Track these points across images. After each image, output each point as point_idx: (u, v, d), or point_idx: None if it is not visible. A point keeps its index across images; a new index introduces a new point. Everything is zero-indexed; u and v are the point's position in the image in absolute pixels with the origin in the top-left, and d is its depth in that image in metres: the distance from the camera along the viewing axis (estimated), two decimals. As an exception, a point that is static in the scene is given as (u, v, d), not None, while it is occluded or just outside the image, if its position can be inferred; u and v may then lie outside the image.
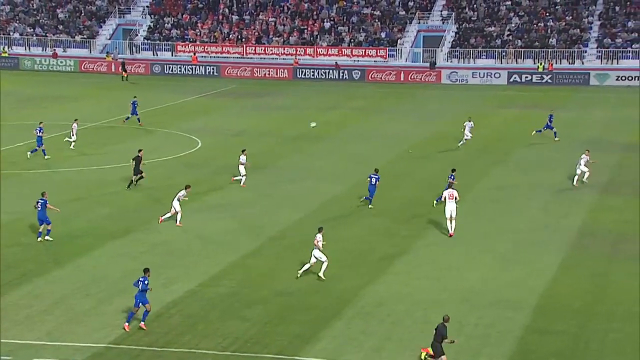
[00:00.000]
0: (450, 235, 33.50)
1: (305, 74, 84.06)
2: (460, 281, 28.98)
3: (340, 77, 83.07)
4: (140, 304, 24.84)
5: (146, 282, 24.95)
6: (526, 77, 78.60)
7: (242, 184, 41.78)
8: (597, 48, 79.83)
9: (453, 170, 38.02)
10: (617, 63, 78.20)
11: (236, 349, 23.69)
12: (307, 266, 29.09)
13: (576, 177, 41.50)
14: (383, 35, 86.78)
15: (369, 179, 37.80)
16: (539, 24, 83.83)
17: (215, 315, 26.00)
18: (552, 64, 79.00)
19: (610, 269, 30.06)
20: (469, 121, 50.57)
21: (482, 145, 52.18)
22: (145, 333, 24.60)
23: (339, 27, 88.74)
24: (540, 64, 79.14)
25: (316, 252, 28.94)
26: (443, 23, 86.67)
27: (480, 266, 30.40)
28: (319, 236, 29.13)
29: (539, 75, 78.36)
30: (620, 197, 39.49)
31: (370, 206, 37.78)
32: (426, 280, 29.12)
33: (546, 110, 64.04)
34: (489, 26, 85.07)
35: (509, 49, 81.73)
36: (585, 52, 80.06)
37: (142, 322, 24.90)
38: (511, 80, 78.77)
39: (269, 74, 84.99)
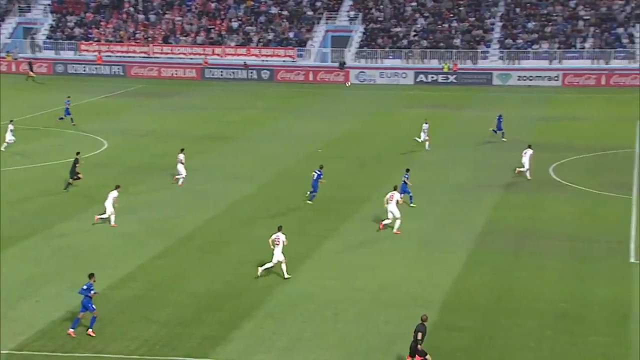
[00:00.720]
0: (379, 229, 34.17)
1: (213, 74, 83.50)
2: (370, 280, 29.30)
3: (249, 77, 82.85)
4: (86, 310, 24.34)
5: (91, 287, 24.43)
6: (432, 77, 79.99)
7: (180, 183, 41.43)
8: (499, 48, 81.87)
9: (407, 170, 38.49)
10: (519, 63, 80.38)
11: (144, 352, 23.40)
12: (269, 265, 28.88)
13: (523, 169, 42.87)
14: (291, 35, 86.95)
15: (313, 174, 38.29)
16: (444, 25, 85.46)
17: (123, 318, 25.61)
18: (456, 65, 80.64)
19: (514, 265, 30.89)
20: (425, 123, 50.78)
21: (389, 145, 52.85)
22: (50, 338, 24.05)
23: (247, 27, 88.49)
24: (445, 64, 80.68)
25: (277, 251, 28.74)
26: (350, 23, 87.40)
27: (389, 265, 30.81)
28: (281, 235, 28.88)
29: (445, 76, 79.86)
30: (522, 195, 40.59)
31: (309, 202, 38.08)
32: (336, 279, 29.33)
33: (453, 110, 65.43)
34: (395, 27, 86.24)
35: (415, 49, 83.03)
36: (488, 52, 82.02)
37: (90, 329, 24.39)
38: (418, 80, 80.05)
39: (176, 74, 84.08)
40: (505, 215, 37.17)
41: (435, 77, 79.94)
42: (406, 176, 38.10)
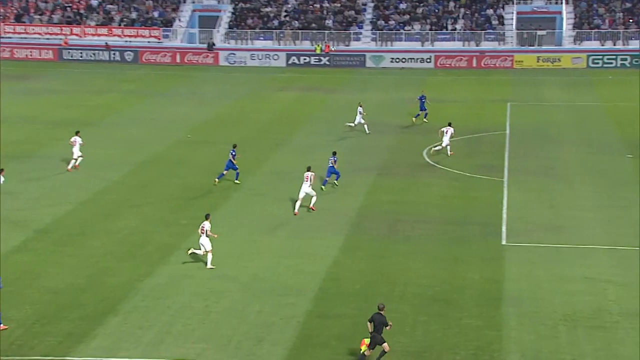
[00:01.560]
0: (296, 213, 34.98)
1: (72, 55, 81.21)
2: (242, 270, 29.27)
3: (112, 58, 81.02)
4: None
5: None
6: (304, 59, 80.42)
7: (70, 167, 41.20)
8: (371, 30, 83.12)
9: (334, 153, 39.27)
10: (391, 45, 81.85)
11: None
12: (197, 251, 29.24)
13: (440, 147, 44.48)
14: (156, 14, 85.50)
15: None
16: (315, 5, 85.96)
17: (-25, 319, 24.61)
18: (329, 46, 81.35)
19: (388, 250, 31.51)
20: (360, 106, 50.86)
21: (261, 129, 52.87)
22: None
23: (108, 5, 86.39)
24: (318, 45, 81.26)
25: (203, 240, 28.96)
26: (219, 3, 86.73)
27: (261, 253, 30.85)
28: (207, 224, 29.03)
29: (317, 57, 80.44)
30: (396, 178, 41.43)
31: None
32: (206, 270, 29.14)
33: (326, 93, 66.00)
34: (265, 6, 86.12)
35: (287, 30, 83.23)
36: (361, 34, 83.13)
37: None
38: (290, 62, 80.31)
39: (31, 55, 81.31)
40: (380, 199, 37.83)
41: (307, 59, 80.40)
42: (333, 159, 38.91)
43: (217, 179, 39.48)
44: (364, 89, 68.01)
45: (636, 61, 75.63)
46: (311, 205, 35.68)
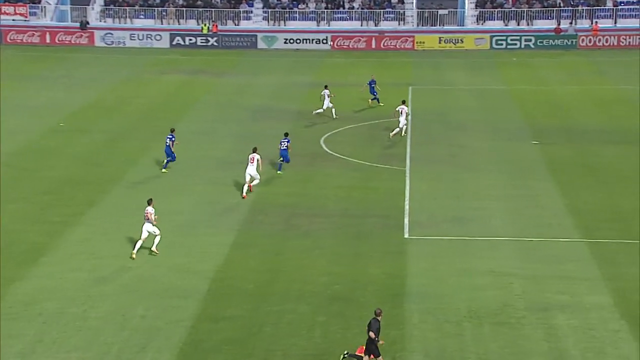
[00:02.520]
0: (243, 197, 36.18)
1: None
2: (122, 270, 28.90)
3: (-27, 38, 78.55)
4: None
5: None
6: (190, 39, 79.72)
7: None
8: (262, 8, 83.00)
9: (286, 135, 40.23)
10: (285, 24, 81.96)
11: None
12: (139, 243, 29.69)
13: (397, 130, 45.75)
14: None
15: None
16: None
17: None
18: (216, 26, 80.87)
19: (284, 247, 31.60)
20: (326, 89, 51.09)
21: (143, 116, 52.21)
22: None
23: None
24: (205, 25, 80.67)
25: (148, 226, 29.60)
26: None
27: (144, 253, 30.47)
28: (150, 209, 29.73)
29: (204, 38, 79.86)
30: (292, 169, 41.51)
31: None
32: (82, 271, 28.68)
33: (214, 76, 65.64)
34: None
35: (169, 8, 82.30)
36: (251, 12, 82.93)
37: None
38: (174, 43, 79.47)
39: None
40: (274, 191, 37.89)
41: (193, 40, 79.75)
42: (286, 140, 39.72)
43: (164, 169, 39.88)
44: (255, 72, 67.93)
45: (540, 42, 77.85)
46: (251, 184, 36.76)
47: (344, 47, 78.92)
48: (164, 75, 66.34)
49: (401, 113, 46.10)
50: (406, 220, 34.18)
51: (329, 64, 71.45)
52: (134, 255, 29.66)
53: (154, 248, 29.90)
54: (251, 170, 36.68)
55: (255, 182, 37.00)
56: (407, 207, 35.82)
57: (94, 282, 27.85)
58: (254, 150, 37.14)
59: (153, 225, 29.83)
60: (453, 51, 77.31)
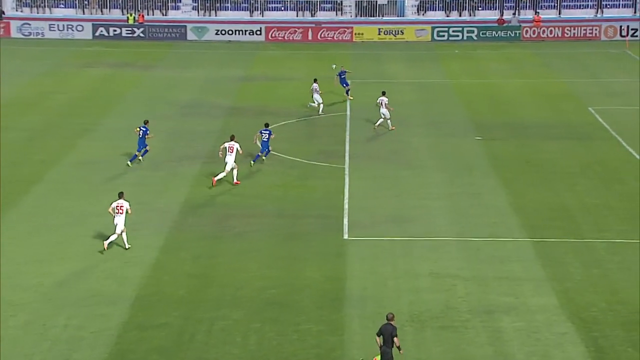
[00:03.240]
0: (237, 182, 38.21)
1: None
2: (44, 277, 28.61)
3: None
4: None
5: None
6: (115, 30, 78.96)
7: None
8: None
9: (267, 125, 41.26)
10: (216, 15, 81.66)
11: None
12: (113, 237, 30.59)
13: (380, 120, 47.13)
14: None
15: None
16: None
17: None
18: (143, 15, 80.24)
19: (217, 250, 31.55)
20: (315, 83, 51.66)
21: (65, 112, 51.63)
22: None
23: None
24: (130, 14, 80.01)
25: (119, 220, 30.59)
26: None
27: (67, 257, 30.22)
28: (122, 202, 30.59)
29: (130, 29, 79.17)
30: (223, 168, 41.41)
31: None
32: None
33: (141, 70, 65.15)
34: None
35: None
36: (180, 2, 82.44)
37: None
38: (97, 34, 78.64)
39: None
40: (207, 192, 37.79)
41: (118, 31, 79.04)
42: (267, 131, 40.64)
43: (130, 162, 40.68)
44: (185, 65, 67.59)
45: (483, 33, 78.79)
46: (219, 177, 37.88)
47: (279, 38, 78.95)
48: (86, 68, 65.64)
49: (381, 105, 47.02)
50: (345, 221, 34.35)
51: (263, 57, 71.41)
52: (105, 248, 30.44)
53: (126, 246, 30.85)
54: (230, 160, 37.72)
55: (235, 172, 38.05)
56: (346, 206, 36.00)
57: (11, 289, 27.47)
58: (232, 139, 38.14)
59: (123, 219, 30.65)
60: (393, 43, 77.83)
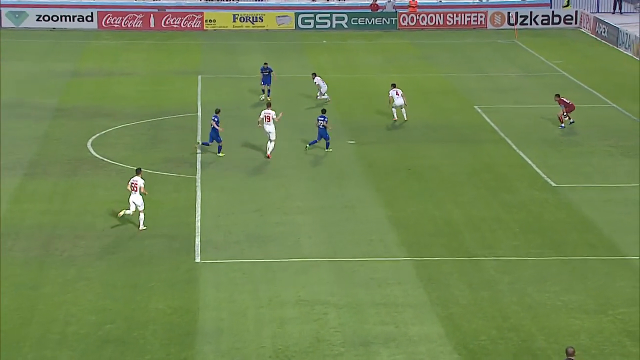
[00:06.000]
0: (268, 157, 43.07)
1: None
2: None
3: None
4: None
5: None
6: None
7: None
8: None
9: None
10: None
11: None
12: (128, 212, 34.31)
13: (395, 111, 50.08)
14: None
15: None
16: None
17: None
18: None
19: (41, 278, 31.03)
20: (317, 76, 54.87)
21: None
22: None
23: None
24: None
25: (135, 198, 34.14)
26: None
27: None
28: (138, 179, 34.23)
29: None
30: (50, 180, 40.77)
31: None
32: None
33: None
34: None
35: None
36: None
37: None
38: None
39: None
40: (28, 209, 37.31)
41: None
42: (324, 119, 44.40)
43: (201, 143, 45.07)
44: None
45: (355, 21, 79.68)
46: (268, 152, 42.93)
47: (115, 26, 78.06)
48: None
49: (397, 95, 49.38)
50: (197, 241, 34.29)
51: (95, 48, 70.57)
52: (120, 214, 34.60)
53: (141, 227, 34.38)
54: (269, 128, 42.80)
55: (271, 145, 42.84)
56: (198, 224, 35.92)
57: None
58: (268, 106, 43.82)
59: (141, 197, 34.18)
60: (251, 32, 77.99)
